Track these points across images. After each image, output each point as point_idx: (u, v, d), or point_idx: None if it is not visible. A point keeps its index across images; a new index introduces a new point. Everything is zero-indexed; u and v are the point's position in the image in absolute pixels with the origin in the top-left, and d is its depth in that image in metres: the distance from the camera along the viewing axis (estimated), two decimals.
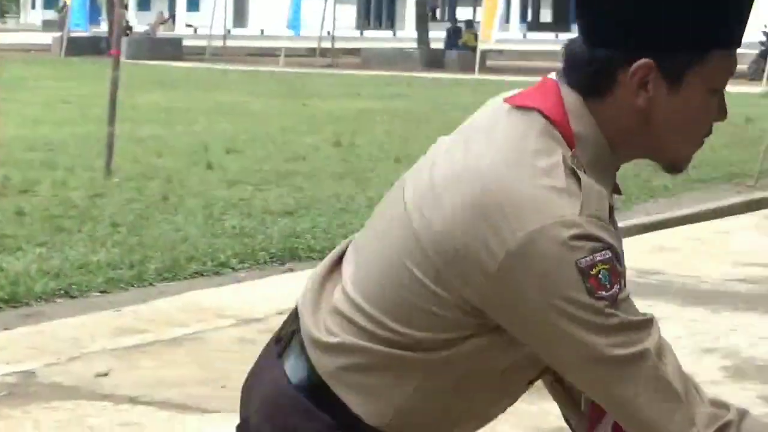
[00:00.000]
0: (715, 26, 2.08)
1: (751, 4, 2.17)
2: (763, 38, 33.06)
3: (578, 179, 2.02)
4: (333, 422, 2.20)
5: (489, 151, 2.07)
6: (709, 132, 2.17)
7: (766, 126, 16.64)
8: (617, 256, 2.02)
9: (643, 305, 7.42)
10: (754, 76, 30.65)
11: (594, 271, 1.97)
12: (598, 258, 1.98)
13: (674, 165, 2.22)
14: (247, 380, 2.47)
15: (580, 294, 1.97)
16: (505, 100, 2.17)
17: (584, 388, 2.17)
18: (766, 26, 33.31)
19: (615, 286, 1.99)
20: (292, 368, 2.27)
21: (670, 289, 9.27)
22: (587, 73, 2.10)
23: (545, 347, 2.07)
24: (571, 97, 2.12)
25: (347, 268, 2.26)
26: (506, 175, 2.02)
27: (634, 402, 2.02)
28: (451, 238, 2.02)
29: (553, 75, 2.19)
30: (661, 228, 11.79)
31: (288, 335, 2.32)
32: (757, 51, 33.71)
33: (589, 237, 1.98)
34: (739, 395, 6.62)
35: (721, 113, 2.17)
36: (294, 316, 2.33)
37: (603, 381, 2.04)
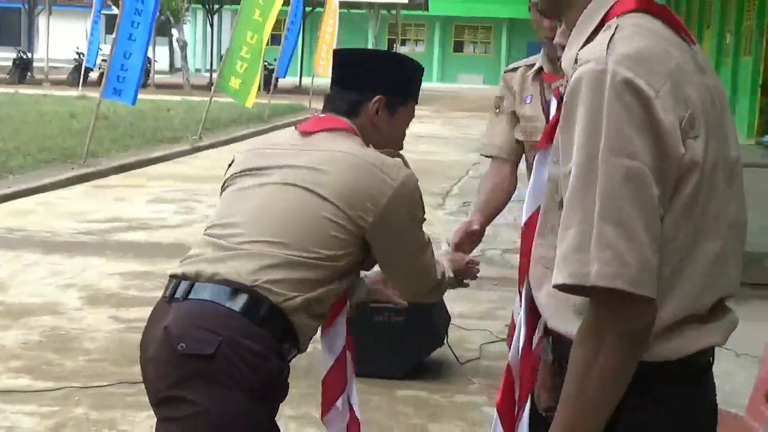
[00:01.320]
0: (413, 91, 2.90)
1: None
2: (76, 56, 32.63)
3: None
4: (257, 318, 2.42)
5: (346, 147, 2.62)
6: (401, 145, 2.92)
7: (85, 120, 16.48)
8: None
9: (12, 255, 7.11)
10: (73, 83, 30.27)
11: (421, 202, 2.68)
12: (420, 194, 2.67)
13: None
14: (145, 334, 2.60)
15: (420, 212, 2.66)
16: (309, 130, 2.72)
17: (405, 270, 2.75)
18: (77, 48, 32.99)
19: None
20: (211, 293, 2.45)
21: (34, 242, 8.94)
22: (349, 106, 2.75)
23: (397, 243, 2.63)
24: (346, 120, 2.72)
25: (230, 238, 2.53)
26: (367, 154, 2.60)
27: (428, 266, 2.76)
28: (352, 192, 2.51)
29: (318, 113, 2.87)
30: (19, 197, 11.31)
31: (185, 287, 2.49)
32: (72, 65, 33.27)
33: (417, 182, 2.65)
34: (96, 317, 6.58)
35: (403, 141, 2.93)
36: (179, 279, 2.52)
37: (419, 258, 2.71)
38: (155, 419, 4.78)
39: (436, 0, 45.12)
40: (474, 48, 53.27)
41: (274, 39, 25.12)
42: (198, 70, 46.00)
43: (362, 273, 2.94)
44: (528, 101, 3.66)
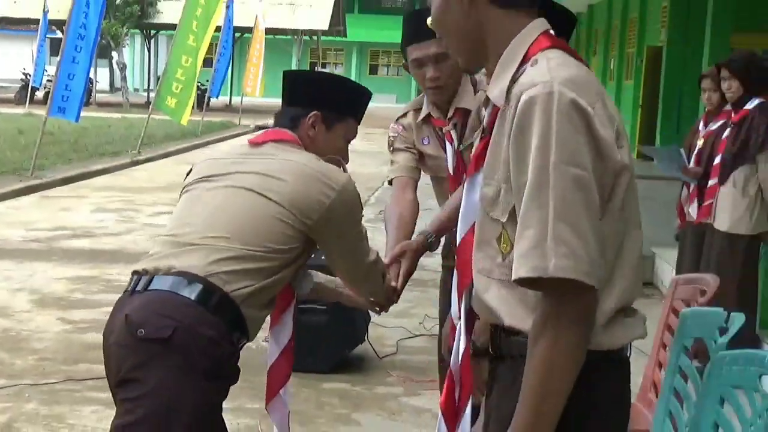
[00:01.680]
0: (354, 110, 2.93)
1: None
2: (23, 76, 31.87)
3: None
4: (210, 306, 2.44)
5: (292, 156, 2.69)
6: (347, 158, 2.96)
7: (32, 136, 16.08)
8: None
9: None
10: (20, 101, 29.55)
11: (359, 201, 2.75)
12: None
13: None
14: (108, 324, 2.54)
15: (358, 209, 2.74)
16: (258, 141, 2.76)
17: (346, 262, 2.80)
18: (24, 69, 32.24)
19: None
20: (169, 284, 2.46)
21: None
22: (290, 120, 2.81)
23: (339, 237, 2.70)
24: (290, 132, 2.78)
25: (186, 235, 2.56)
26: (311, 162, 2.68)
27: (365, 251, 2.80)
28: (300, 196, 2.58)
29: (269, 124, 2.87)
30: None
31: (146, 280, 2.49)
32: (19, 85, 32.52)
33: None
34: (45, 319, 6.42)
35: (347, 153, 2.95)
36: (140, 274, 2.52)
37: (359, 251, 2.77)
38: (100, 413, 4.75)
39: (353, 27, 45.16)
40: (387, 71, 53.38)
41: (207, 62, 24.76)
42: (136, 90, 45.28)
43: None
44: (426, 142, 3.61)
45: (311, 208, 2.59)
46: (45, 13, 26.85)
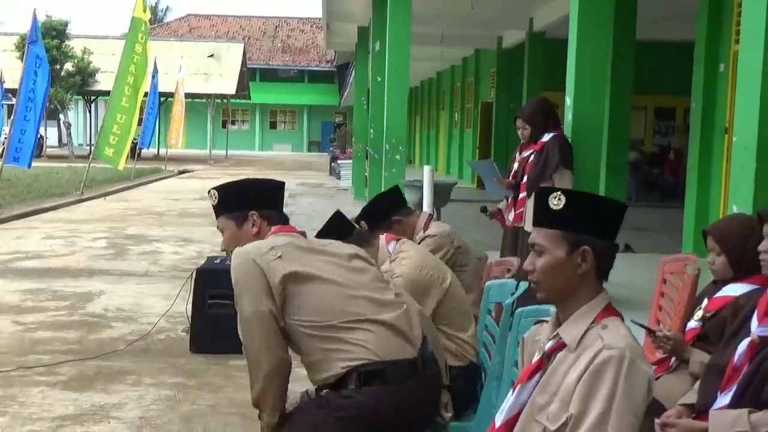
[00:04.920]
0: None
1: None
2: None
3: None
4: None
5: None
6: None
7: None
8: None
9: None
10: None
11: None
12: None
13: None
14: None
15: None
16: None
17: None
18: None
19: None
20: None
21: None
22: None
23: None
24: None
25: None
26: None
27: None
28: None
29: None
30: None
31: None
32: None
33: None
34: (1, 322, 6.16)
35: None
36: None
37: None
38: (45, 393, 4.55)
39: (256, 92, 44.91)
40: (284, 126, 53.21)
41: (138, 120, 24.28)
42: (80, 144, 43.93)
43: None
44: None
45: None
46: (1, 83, 25.82)
